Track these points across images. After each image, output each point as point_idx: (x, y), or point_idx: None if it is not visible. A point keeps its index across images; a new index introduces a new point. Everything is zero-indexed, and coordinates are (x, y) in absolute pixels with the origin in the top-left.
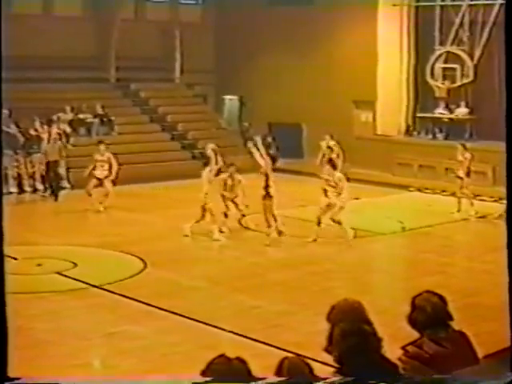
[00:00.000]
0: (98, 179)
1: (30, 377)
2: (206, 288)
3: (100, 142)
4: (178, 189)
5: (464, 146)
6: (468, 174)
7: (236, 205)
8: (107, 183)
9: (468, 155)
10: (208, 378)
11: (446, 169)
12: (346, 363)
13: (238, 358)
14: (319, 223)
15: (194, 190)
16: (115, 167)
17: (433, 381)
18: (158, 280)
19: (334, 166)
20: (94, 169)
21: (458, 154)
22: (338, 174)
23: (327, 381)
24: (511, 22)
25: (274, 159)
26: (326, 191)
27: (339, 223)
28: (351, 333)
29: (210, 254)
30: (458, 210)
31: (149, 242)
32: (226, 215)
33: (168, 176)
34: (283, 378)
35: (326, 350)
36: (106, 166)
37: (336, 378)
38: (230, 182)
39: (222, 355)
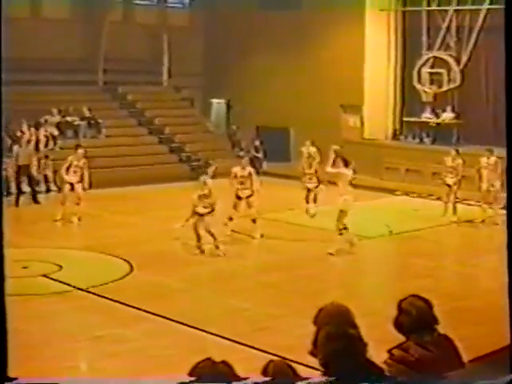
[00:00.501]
0: (71, 184)
1: (30, 377)
2: (194, 291)
3: (78, 146)
4: (165, 192)
5: (457, 151)
6: (459, 182)
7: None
8: (79, 189)
9: (460, 161)
10: (193, 378)
11: (434, 173)
12: (330, 366)
13: (223, 362)
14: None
15: (181, 193)
16: (87, 175)
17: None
18: (144, 283)
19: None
20: (67, 172)
21: (448, 159)
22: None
23: (310, 381)
24: (511, 22)
25: (260, 163)
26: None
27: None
28: (336, 336)
29: (199, 256)
30: (444, 215)
31: (136, 244)
32: (231, 219)
33: (155, 179)
34: (266, 379)
35: (312, 353)
36: (79, 173)
37: (318, 379)
38: (240, 173)
39: (208, 359)
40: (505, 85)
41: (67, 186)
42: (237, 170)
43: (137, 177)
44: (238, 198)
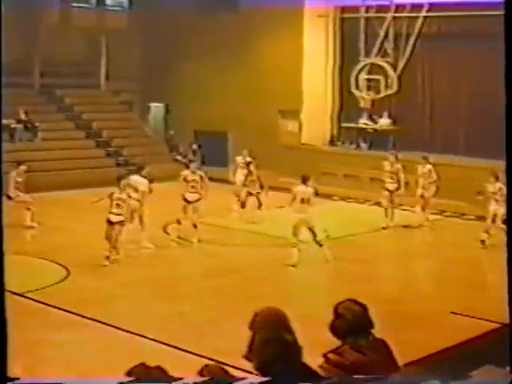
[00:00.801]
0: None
1: (30, 377)
2: (132, 296)
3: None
4: (102, 196)
5: (396, 156)
6: (399, 187)
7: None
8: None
9: (399, 166)
10: (131, 378)
11: (371, 178)
12: (265, 371)
13: (157, 367)
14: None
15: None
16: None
17: None
18: (81, 287)
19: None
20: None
21: (387, 164)
22: None
23: (245, 381)
24: (511, 23)
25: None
26: None
27: None
28: (271, 340)
29: (137, 261)
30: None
31: (72, 249)
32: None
33: (92, 183)
34: (201, 379)
35: (246, 358)
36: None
37: (254, 380)
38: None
39: (142, 364)
40: (505, 85)
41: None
42: (187, 173)
43: (73, 181)
44: (187, 201)
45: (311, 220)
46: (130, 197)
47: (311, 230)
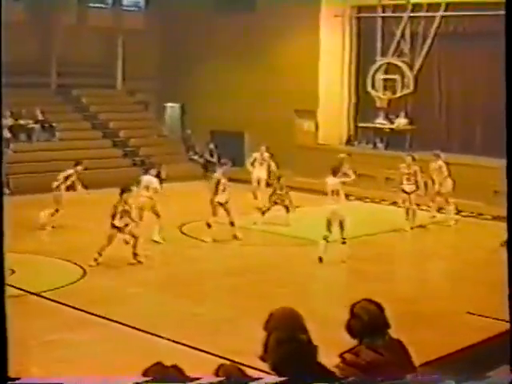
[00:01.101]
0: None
1: (30, 377)
2: (147, 295)
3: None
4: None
5: (413, 157)
6: (417, 188)
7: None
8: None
9: (416, 168)
10: (148, 378)
11: (387, 178)
12: (280, 371)
13: (174, 366)
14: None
15: (135, 196)
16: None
17: None
18: (97, 287)
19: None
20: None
21: (404, 165)
22: None
23: (261, 381)
24: (511, 23)
25: (214, 167)
26: None
27: None
28: (286, 341)
29: (153, 260)
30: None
31: (89, 249)
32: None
33: (108, 183)
34: (218, 379)
35: (262, 358)
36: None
37: (270, 379)
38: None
39: (158, 363)
40: (505, 85)
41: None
42: (220, 176)
43: (90, 181)
44: (220, 203)
45: (342, 212)
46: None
47: (341, 223)
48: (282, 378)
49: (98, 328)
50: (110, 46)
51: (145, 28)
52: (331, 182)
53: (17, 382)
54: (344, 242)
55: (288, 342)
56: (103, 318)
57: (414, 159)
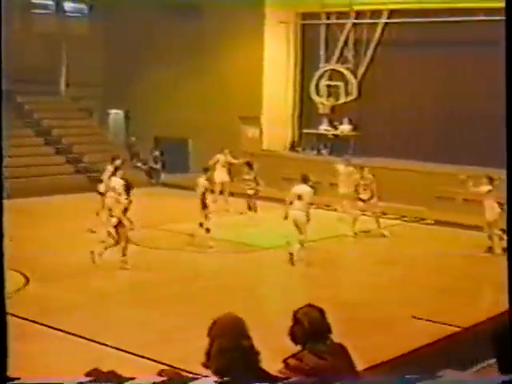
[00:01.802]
0: None
1: (30, 377)
2: (95, 304)
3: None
4: (62, 203)
5: (348, 162)
6: (372, 196)
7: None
8: None
9: (370, 176)
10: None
11: (331, 184)
12: (223, 377)
13: (111, 372)
14: None
15: (78, 204)
16: None
17: None
18: (41, 296)
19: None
20: None
21: (357, 174)
22: None
23: (202, 380)
24: (511, 23)
25: (158, 174)
26: None
27: None
28: (227, 347)
29: (100, 268)
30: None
31: (34, 257)
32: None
33: (51, 190)
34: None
35: (205, 365)
36: None
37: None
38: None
39: (95, 369)
40: (505, 85)
41: None
42: (206, 182)
43: (33, 188)
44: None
45: (302, 217)
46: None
47: (300, 228)
48: (225, 379)
49: (43, 337)
50: (54, 53)
51: (89, 34)
52: (300, 188)
53: (16, 381)
54: (302, 245)
55: (230, 348)
56: (48, 326)
57: (348, 164)
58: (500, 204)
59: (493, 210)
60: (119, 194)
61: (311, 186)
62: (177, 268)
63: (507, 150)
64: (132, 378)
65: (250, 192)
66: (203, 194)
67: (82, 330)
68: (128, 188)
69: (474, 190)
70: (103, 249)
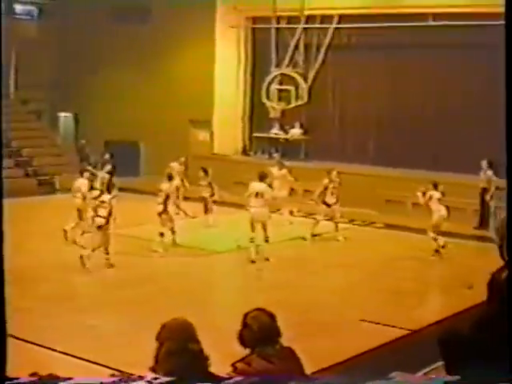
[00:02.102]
0: None
1: (30, 377)
2: (41, 308)
3: None
4: (11, 207)
5: (281, 164)
6: (337, 200)
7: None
8: None
9: (338, 180)
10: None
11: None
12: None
13: (49, 375)
14: None
15: (28, 207)
16: None
17: None
18: None
19: None
20: None
21: (327, 179)
22: None
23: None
24: (511, 23)
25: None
26: None
27: None
28: (175, 351)
29: (43, 273)
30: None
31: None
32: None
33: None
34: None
35: (153, 369)
36: None
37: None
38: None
39: (35, 373)
40: (505, 86)
41: None
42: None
43: None
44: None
45: (265, 214)
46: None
47: (263, 225)
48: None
49: None
50: (3, 55)
51: (38, 36)
52: (257, 185)
53: (15, 381)
54: (267, 241)
55: (178, 352)
56: None
57: (282, 167)
58: (447, 208)
59: (439, 213)
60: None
61: (269, 185)
62: (124, 272)
63: (507, 149)
64: (69, 378)
65: (206, 195)
66: (165, 200)
67: (26, 334)
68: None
69: (423, 200)
70: (91, 251)
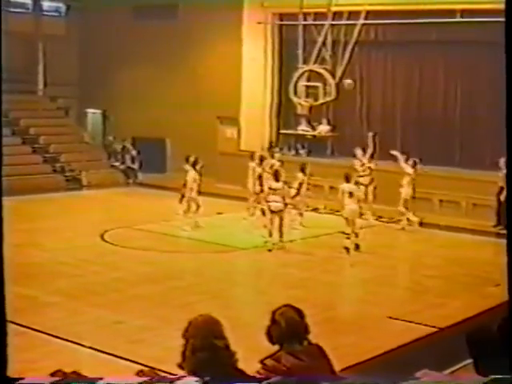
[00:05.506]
0: None
1: (30, 377)
2: (65, 303)
3: None
4: (39, 203)
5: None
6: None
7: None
8: None
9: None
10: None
11: (309, 184)
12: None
13: (74, 372)
14: None
15: (54, 203)
16: None
17: None
18: (14, 296)
19: None
20: None
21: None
22: None
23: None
24: (511, 23)
25: (135, 173)
26: None
27: None
28: (201, 348)
29: (70, 268)
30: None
31: (5, 257)
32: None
33: (27, 190)
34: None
35: (180, 366)
36: None
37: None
38: None
39: (59, 370)
40: (506, 86)
41: None
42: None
43: (9, 187)
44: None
45: (357, 212)
46: None
47: (352, 221)
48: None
49: (17, 336)
50: (31, 52)
51: (66, 33)
52: (347, 186)
53: (16, 382)
54: (357, 236)
55: (203, 349)
56: (22, 326)
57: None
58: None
59: (408, 188)
60: None
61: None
62: (147, 268)
63: (507, 150)
64: (101, 378)
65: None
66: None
67: (54, 330)
68: None
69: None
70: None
